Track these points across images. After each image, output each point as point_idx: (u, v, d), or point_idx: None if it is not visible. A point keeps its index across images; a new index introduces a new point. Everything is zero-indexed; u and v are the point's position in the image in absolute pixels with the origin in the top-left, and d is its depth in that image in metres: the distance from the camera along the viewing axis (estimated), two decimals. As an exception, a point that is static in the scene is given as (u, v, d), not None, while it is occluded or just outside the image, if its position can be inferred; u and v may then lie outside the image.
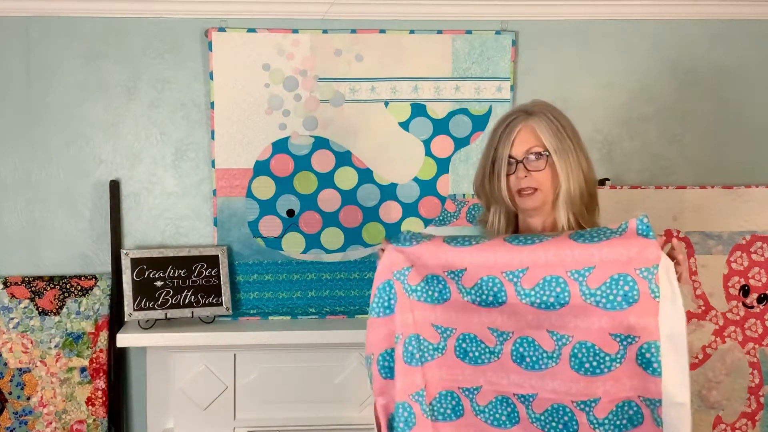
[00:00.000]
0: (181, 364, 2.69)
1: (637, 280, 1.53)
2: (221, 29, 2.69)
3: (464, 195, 2.81)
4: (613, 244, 1.55)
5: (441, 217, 2.82)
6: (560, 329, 1.59)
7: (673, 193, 2.79)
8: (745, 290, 2.80)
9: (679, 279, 1.55)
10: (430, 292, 1.69)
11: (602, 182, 2.77)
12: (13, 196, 2.72)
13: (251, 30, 2.70)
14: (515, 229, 1.89)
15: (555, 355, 1.59)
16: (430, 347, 1.70)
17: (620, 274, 1.54)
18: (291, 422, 2.75)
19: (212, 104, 2.71)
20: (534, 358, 1.61)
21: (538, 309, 1.59)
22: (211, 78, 2.70)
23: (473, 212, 2.82)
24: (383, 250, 1.75)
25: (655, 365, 1.53)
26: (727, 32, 2.85)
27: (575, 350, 1.58)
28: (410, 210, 2.81)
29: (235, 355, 2.71)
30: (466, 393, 1.69)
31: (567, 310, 1.57)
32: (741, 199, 2.79)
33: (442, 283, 1.68)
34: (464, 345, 1.67)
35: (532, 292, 1.59)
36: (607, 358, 1.56)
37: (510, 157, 1.76)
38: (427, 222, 2.81)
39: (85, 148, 2.74)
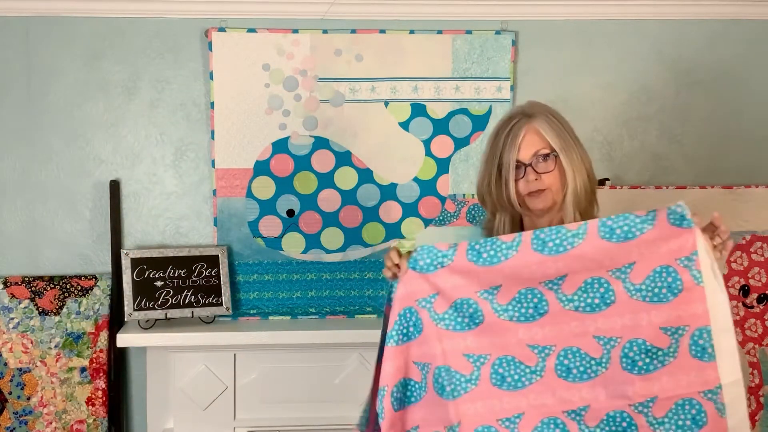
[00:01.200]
0: (181, 364, 2.69)
1: (679, 270, 1.51)
2: (221, 29, 2.69)
3: (464, 195, 2.81)
4: (649, 238, 1.53)
5: (441, 217, 2.82)
6: (607, 332, 1.55)
7: (673, 193, 2.79)
8: (745, 290, 2.80)
9: (724, 249, 1.57)
10: (459, 319, 1.58)
11: (602, 182, 2.77)
12: (13, 196, 2.72)
13: (251, 30, 2.70)
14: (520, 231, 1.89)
15: (604, 360, 1.54)
16: (462, 380, 1.58)
17: (662, 266, 1.52)
18: (291, 422, 2.75)
19: (212, 104, 2.71)
20: (582, 368, 1.55)
21: (584, 313, 1.55)
22: (211, 78, 2.70)
23: (473, 212, 2.82)
24: (398, 258, 1.62)
25: (710, 350, 1.51)
26: (727, 32, 2.85)
27: (626, 350, 1.54)
28: (410, 210, 2.81)
29: (235, 355, 2.71)
30: (506, 424, 1.58)
31: (613, 310, 1.54)
32: (741, 199, 2.79)
33: (474, 306, 1.58)
34: (501, 370, 1.56)
35: (575, 297, 1.55)
36: (660, 353, 1.52)
37: (518, 161, 1.75)
38: (426, 222, 2.82)
39: (85, 148, 2.74)
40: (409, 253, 1.65)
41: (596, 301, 1.55)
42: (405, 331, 1.60)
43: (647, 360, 1.54)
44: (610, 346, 1.55)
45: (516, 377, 1.57)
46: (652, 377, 1.54)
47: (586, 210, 1.80)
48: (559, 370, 1.56)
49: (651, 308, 1.53)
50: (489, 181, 1.80)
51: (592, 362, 1.55)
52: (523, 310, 1.57)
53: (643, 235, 1.54)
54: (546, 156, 1.75)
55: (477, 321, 1.58)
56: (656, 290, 1.53)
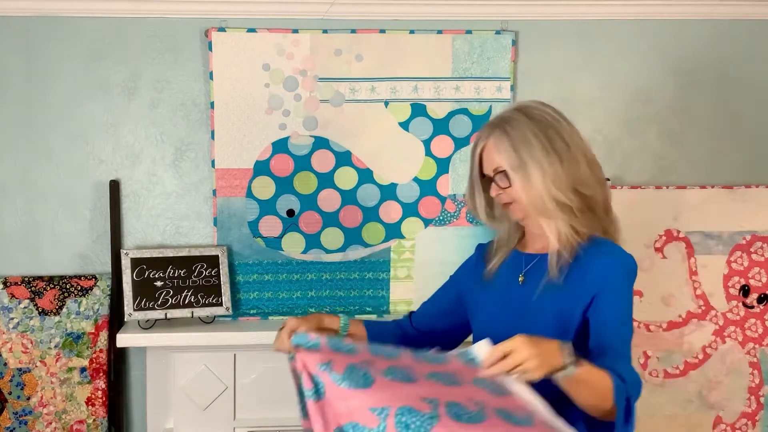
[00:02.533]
0: (181, 364, 2.69)
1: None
2: (221, 29, 2.69)
3: (464, 195, 2.81)
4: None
5: (441, 217, 2.82)
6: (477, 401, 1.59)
7: (673, 193, 2.79)
8: (745, 290, 2.80)
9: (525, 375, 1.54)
10: (356, 378, 1.64)
11: (602, 182, 2.77)
12: (13, 196, 2.72)
13: (251, 30, 2.70)
14: (522, 233, 1.90)
15: (482, 412, 1.56)
16: None
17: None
18: (291, 422, 2.74)
19: (212, 104, 2.71)
20: (469, 416, 1.56)
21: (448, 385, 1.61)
22: (211, 78, 2.70)
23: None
24: (287, 338, 1.76)
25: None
26: (727, 32, 2.85)
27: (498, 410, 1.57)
28: (410, 210, 2.81)
29: (235, 355, 2.71)
30: None
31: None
32: (741, 199, 2.79)
33: (364, 369, 1.65)
34: (404, 419, 1.56)
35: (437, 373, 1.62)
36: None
37: (484, 175, 1.81)
38: (426, 222, 2.82)
39: (85, 148, 2.74)
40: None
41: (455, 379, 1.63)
42: (319, 390, 1.71)
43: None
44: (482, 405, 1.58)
45: (418, 423, 1.56)
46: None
47: (572, 217, 1.74)
48: (452, 414, 1.57)
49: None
50: (470, 191, 1.88)
51: (474, 413, 1.58)
52: (401, 374, 1.64)
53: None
54: (502, 173, 1.76)
55: (370, 381, 1.64)
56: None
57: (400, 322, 2.09)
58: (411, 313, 2.11)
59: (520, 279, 1.81)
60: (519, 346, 1.49)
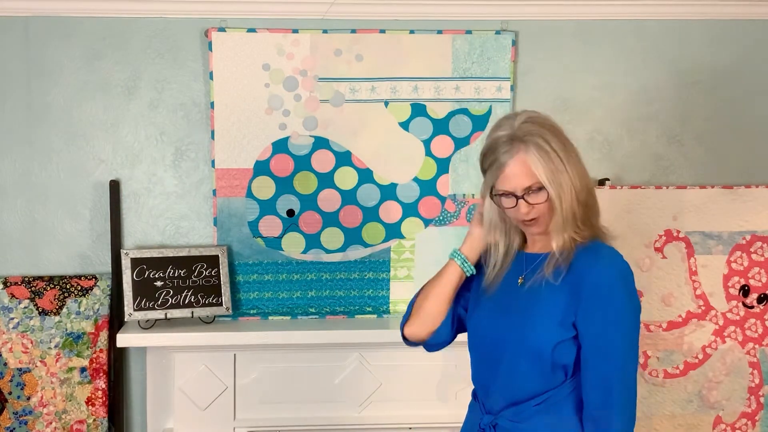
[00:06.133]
0: (181, 364, 2.69)
1: None
2: (221, 29, 2.69)
3: (464, 195, 2.81)
4: None
5: (441, 217, 2.82)
6: None
7: (673, 193, 2.79)
8: (745, 290, 2.80)
9: None
10: None
11: (602, 182, 2.77)
12: (13, 196, 2.72)
13: (251, 30, 2.70)
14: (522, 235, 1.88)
15: None
16: None
17: None
18: (291, 422, 2.75)
19: (212, 104, 2.71)
20: None
21: None
22: (211, 78, 2.70)
23: (473, 212, 2.81)
24: None
25: None
26: (727, 32, 2.85)
27: None
28: (410, 210, 2.81)
29: (235, 355, 2.71)
30: None
31: None
32: (741, 199, 2.79)
33: None
34: None
35: None
36: None
37: (507, 192, 1.71)
38: (427, 222, 2.82)
39: (85, 148, 2.74)
40: None
41: None
42: None
43: None
44: None
45: None
46: None
47: (576, 228, 1.73)
48: None
49: None
50: (483, 199, 1.79)
51: None
52: None
53: None
54: (538, 189, 1.69)
55: None
56: None
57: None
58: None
59: (519, 280, 1.81)
60: None
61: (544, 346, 1.70)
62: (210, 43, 2.69)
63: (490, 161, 1.73)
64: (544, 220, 1.72)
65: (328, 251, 2.80)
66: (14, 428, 2.68)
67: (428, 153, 2.79)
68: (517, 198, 1.70)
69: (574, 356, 1.71)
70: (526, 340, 1.72)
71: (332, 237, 2.79)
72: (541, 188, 1.69)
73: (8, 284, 2.67)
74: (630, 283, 1.72)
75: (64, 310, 2.68)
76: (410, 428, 2.79)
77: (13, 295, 2.67)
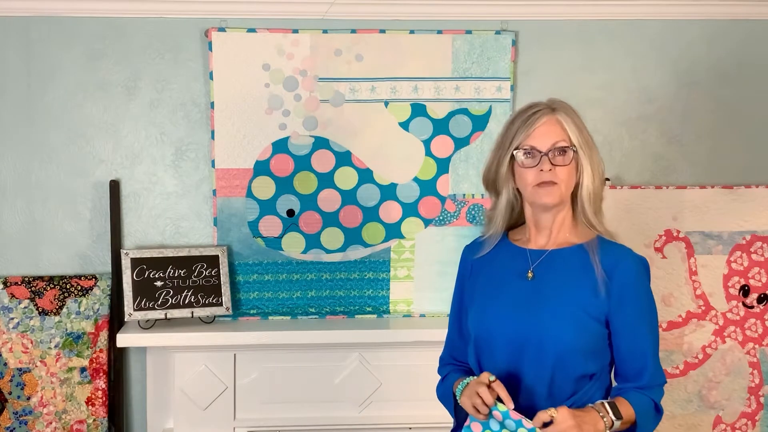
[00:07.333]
0: (181, 364, 2.69)
1: None
2: (221, 29, 2.69)
3: (464, 195, 2.81)
4: None
5: (441, 217, 2.82)
6: None
7: (673, 193, 2.79)
8: (745, 290, 2.80)
9: None
10: None
11: (602, 182, 2.77)
12: (13, 196, 2.72)
13: (251, 30, 2.70)
14: (515, 223, 1.87)
15: None
16: None
17: None
18: (291, 422, 2.75)
19: (212, 104, 2.71)
20: None
21: None
22: (211, 78, 2.70)
23: (473, 212, 2.82)
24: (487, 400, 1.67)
25: None
26: (727, 32, 2.85)
27: None
28: (410, 210, 2.81)
29: (235, 355, 2.71)
30: None
31: None
32: (741, 199, 2.79)
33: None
34: None
35: None
36: None
37: (533, 148, 1.71)
38: (427, 222, 2.82)
39: (85, 148, 2.74)
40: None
41: None
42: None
43: None
44: None
45: None
46: None
47: (593, 213, 1.76)
48: None
49: None
50: (498, 164, 1.77)
51: None
52: None
53: None
54: (564, 149, 1.71)
55: None
56: None
57: (448, 369, 2.00)
58: (442, 356, 2.02)
59: (528, 275, 1.79)
60: (562, 420, 1.59)
61: (575, 343, 1.70)
62: (210, 43, 2.69)
63: (518, 124, 1.74)
64: (559, 190, 1.72)
65: (328, 251, 2.80)
66: (14, 428, 2.68)
67: (428, 153, 2.79)
68: (541, 155, 1.70)
69: (601, 348, 1.74)
70: (553, 337, 1.71)
71: (332, 237, 2.79)
72: (565, 150, 1.71)
73: (8, 284, 2.67)
74: (649, 275, 1.80)
75: (64, 310, 2.68)
76: (410, 428, 2.79)
77: (13, 295, 2.67)
